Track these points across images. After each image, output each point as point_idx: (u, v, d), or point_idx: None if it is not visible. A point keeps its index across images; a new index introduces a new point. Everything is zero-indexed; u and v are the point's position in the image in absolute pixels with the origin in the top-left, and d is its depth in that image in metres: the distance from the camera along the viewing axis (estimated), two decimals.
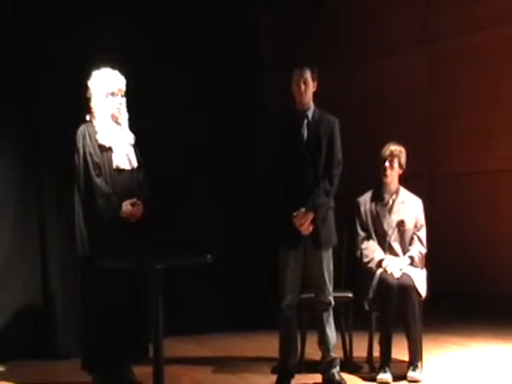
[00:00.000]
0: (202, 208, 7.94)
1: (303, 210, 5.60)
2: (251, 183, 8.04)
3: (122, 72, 5.97)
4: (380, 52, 8.50)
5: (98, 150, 5.79)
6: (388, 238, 6.08)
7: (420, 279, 5.96)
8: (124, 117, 6.00)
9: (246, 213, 8.05)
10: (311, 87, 5.69)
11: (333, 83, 7.82)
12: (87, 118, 5.95)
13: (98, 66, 5.97)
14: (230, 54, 8.09)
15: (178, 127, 7.69)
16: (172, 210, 7.57)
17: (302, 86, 5.64)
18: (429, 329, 6.21)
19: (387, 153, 6.01)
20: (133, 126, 6.02)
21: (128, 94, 5.98)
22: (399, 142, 6.19)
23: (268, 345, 6.51)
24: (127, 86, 5.98)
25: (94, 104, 5.93)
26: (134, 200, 5.79)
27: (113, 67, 5.97)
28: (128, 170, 5.92)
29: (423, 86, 8.27)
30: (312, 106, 5.77)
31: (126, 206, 5.75)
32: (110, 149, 5.86)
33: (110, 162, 5.84)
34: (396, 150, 6.03)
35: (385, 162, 6.03)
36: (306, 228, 5.61)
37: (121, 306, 5.68)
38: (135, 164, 5.97)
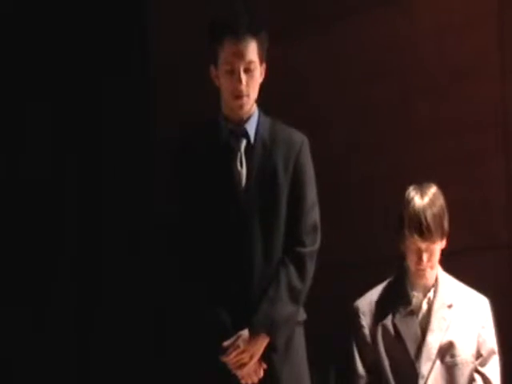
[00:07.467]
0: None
1: (245, 333, 3.59)
2: (139, 266, 5.60)
3: None
4: None
5: None
6: (421, 381, 4.13)
7: None
8: None
9: (140, 339, 5.66)
10: (258, 77, 3.68)
11: (297, 57, 5.19)
12: None
13: None
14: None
15: None
16: None
17: (243, 77, 3.69)
18: None
19: (412, 211, 4.02)
20: None
21: None
22: (437, 179, 4.10)
23: None
24: None
25: None
26: None
27: None
28: None
29: (492, 52, 5.25)
30: (256, 112, 3.74)
31: None
32: None
33: None
34: (427, 203, 4.00)
35: (411, 227, 4.00)
36: (250, 372, 3.65)
37: None
38: None
